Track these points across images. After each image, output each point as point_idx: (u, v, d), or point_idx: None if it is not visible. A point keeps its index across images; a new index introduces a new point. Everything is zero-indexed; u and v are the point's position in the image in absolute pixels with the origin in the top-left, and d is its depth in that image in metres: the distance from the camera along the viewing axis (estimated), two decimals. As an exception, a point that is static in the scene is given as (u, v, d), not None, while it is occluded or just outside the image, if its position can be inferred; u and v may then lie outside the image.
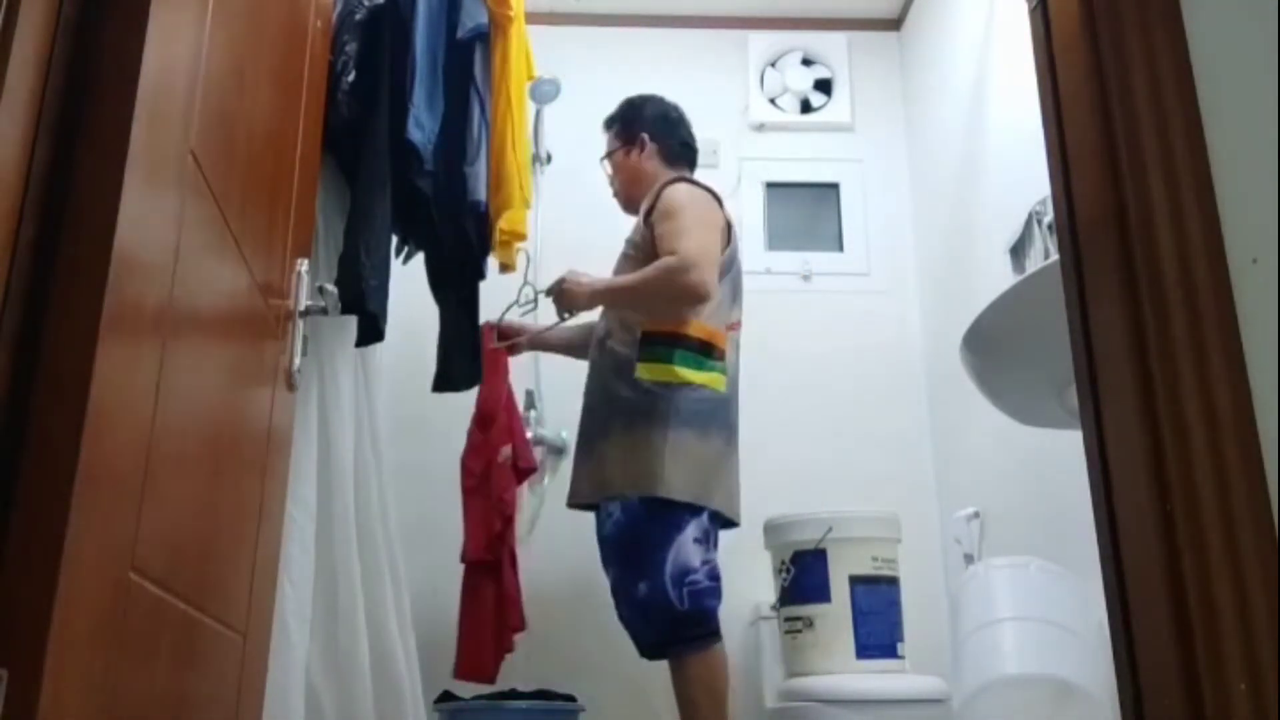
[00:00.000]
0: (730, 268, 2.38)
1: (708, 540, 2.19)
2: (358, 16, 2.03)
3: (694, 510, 2.17)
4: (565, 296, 2.36)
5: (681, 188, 2.37)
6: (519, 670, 2.81)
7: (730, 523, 2.31)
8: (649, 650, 2.18)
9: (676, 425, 2.20)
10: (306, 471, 1.86)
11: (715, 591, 2.17)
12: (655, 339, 2.27)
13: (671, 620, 2.11)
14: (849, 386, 3.29)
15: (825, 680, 2.39)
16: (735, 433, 2.32)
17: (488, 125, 2.31)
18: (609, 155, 2.62)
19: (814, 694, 2.38)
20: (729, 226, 2.40)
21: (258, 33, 1.25)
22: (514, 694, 2.55)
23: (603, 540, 2.26)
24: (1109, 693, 1.72)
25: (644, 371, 2.25)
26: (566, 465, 3.13)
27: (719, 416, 2.27)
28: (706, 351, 2.28)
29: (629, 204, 2.57)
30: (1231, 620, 0.89)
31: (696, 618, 2.12)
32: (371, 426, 2.21)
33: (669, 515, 2.16)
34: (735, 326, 2.40)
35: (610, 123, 2.64)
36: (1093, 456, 1.08)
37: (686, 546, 2.14)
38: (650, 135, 2.54)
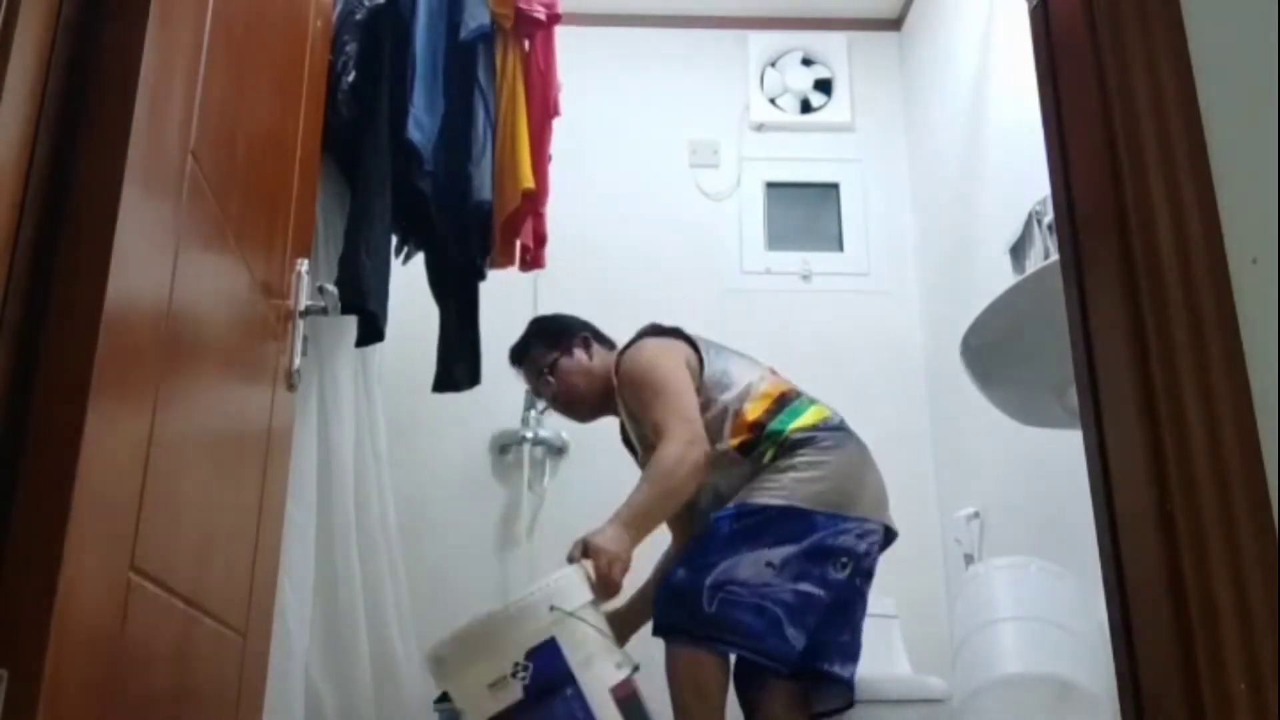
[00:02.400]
0: (719, 359, 2.25)
1: (785, 570, 2.00)
2: (358, 16, 2.03)
3: (789, 537, 2.02)
4: (603, 561, 1.92)
5: (629, 355, 2.22)
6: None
7: (890, 535, 2.18)
8: (658, 626, 2.05)
9: (801, 466, 2.09)
10: (307, 471, 1.87)
11: (759, 610, 1.97)
12: (749, 453, 2.11)
13: (690, 614, 1.99)
14: (849, 386, 3.28)
15: (825, 680, 2.39)
16: (863, 444, 2.23)
17: (492, 125, 2.31)
18: (551, 368, 2.30)
19: (814, 694, 2.38)
20: (692, 341, 2.26)
21: (258, 33, 1.25)
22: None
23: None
24: (1109, 693, 1.72)
25: (765, 494, 2.07)
26: (566, 465, 3.14)
27: (836, 439, 2.17)
28: (779, 411, 2.15)
29: (593, 409, 2.33)
30: (1231, 620, 0.89)
31: (720, 623, 1.97)
32: (371, 426, 2.21)
33: (753, 523, 2.04)
34: (775, 372, 2.30)
35: (526, 347, 2.36)
36: (1093, 456, 1.07)
37: (753, 564, 2.00)
38: (584, 335, 2.34)
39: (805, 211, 3.53)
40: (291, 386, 1.43)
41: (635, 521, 2.00)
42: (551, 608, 1.73)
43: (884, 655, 2.82)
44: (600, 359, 2.31)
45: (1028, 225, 2.48)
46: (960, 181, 3.09)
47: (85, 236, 0.79)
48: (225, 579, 1.20)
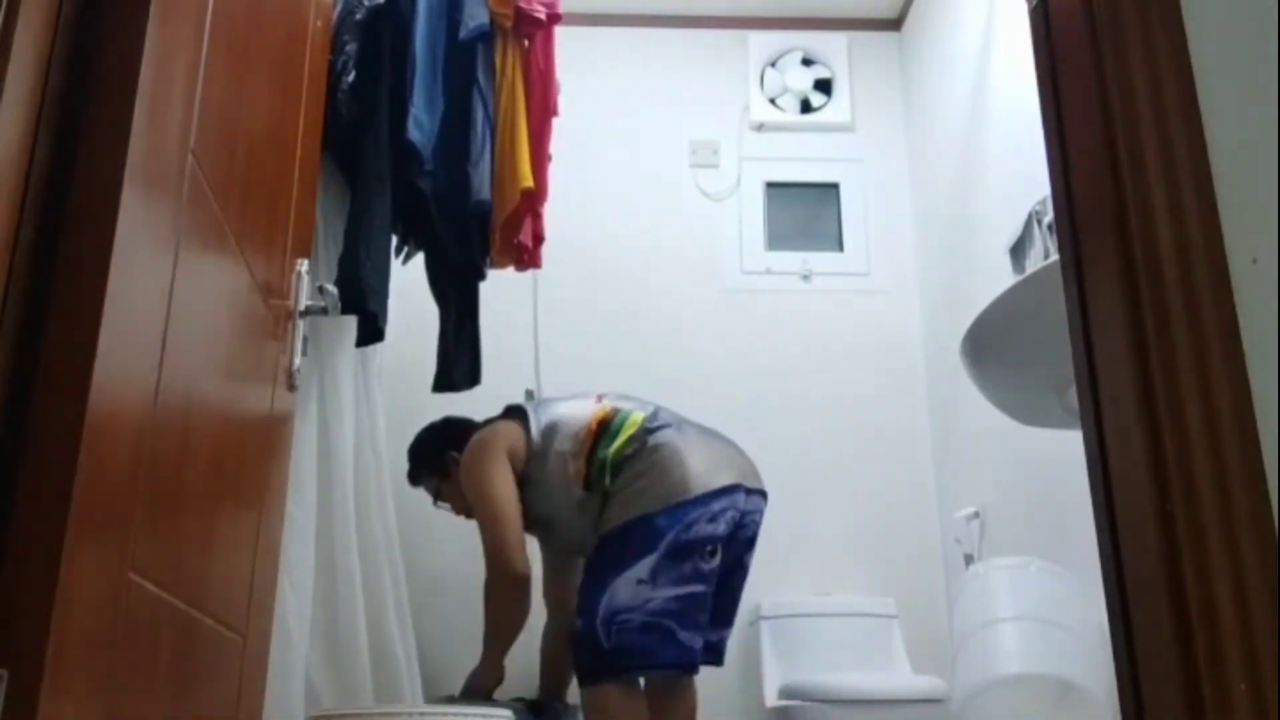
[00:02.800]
0: (544, 414, 2.34)
1: (657, 579, 2.08)
2: (358, 16, 2.03)
3: (644, 549, 2.10)
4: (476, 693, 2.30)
5: (461, 468, 2.38)
6: (521, 674, 2.81)
7: (748, 491, 2.23)
8: (578, 679, 2.17)
9: (631, 479, 2.18)
10: (307, 471, 1.87)
11: (649, 628, 2.06)
12: (591, 488, 2.24)
13: (595, 655, 2.09)
14: (849, 387, 3.29)
15: (826, 679, 2.39)
16: (683, 427, 2.26)
17: (491, 125, 2.31)
18: (439, 496, 2.54)
19: (814, 693, 2.38)
20: (518, 410, 2.38)
21: (258, 33, 1.25)
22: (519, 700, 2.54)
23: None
24: (1109, 693, 1.72)
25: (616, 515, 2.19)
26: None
27: (654, 439, 2.22)
28: (602, 436, 2.25)
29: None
30: (1231, 620, 0.89)
31: (620, 653, 2.07)
32: (371, 426, 2.21)
33: (609, 549, 2.15)
34: (601, 398, 2.35)
35: (415, 477, 2.58)
36: (1093, 456, 1.07)
37: (626, 586, 2.08)
38: (434, 482, 2.54)
39: (805, 211, 3.53)
40: (291, 386, 1.43)
41: (493, 652, 2.33)
42: None
43: (884, 655, 2.82)
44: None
45: (1028, 225, 2.48)
46: (960, 182, 3.09)
47: (85, 236, 0.79)
48: (225, 579, 1.20)
